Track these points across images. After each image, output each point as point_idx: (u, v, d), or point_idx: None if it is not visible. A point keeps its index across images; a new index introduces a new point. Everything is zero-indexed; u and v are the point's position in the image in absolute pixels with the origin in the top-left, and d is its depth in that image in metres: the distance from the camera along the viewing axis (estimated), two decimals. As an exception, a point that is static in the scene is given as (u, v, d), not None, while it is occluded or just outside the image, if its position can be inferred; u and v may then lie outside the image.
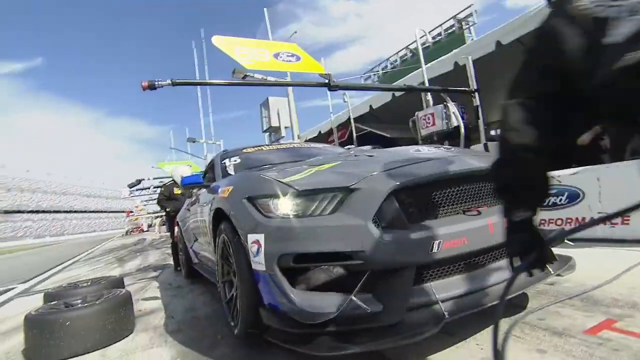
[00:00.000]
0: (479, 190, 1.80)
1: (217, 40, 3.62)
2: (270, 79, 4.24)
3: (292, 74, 4.33)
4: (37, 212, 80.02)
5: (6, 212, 73.06)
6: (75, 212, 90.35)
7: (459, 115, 5.12)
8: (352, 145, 8.31)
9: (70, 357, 2.24)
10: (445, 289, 1.53)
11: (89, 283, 3.42)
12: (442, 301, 1.47)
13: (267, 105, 10.62)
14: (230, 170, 3.11)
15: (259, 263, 1.60)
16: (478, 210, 1.70)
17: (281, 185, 1.67)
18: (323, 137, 10.20)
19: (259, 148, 3.51)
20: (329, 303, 1.40)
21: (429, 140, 5.69)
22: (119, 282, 3.50)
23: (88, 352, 2.28)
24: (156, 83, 3.37)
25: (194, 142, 20.15)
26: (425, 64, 6.41)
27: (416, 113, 5.79)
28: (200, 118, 21.62)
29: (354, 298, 1.38)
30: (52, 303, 2.70)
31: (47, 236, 71.12)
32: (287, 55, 3.99)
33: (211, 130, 21.05)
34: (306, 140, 11.02)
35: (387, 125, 8.57)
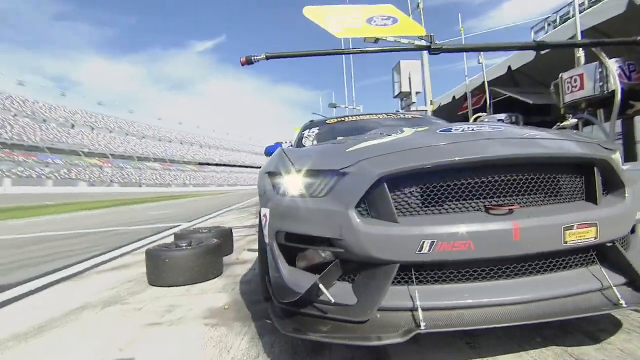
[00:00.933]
0: (516, 183, 1.41)
1: (308, 11, 3.63)
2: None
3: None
4: (219, 165, 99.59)
5: (199, 164, 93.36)
6: (246, 167, 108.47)
7: (616, 76, 3.82)
8: (484, 114, 7.30)
9: (167, 286, 2.85)
10: (434, 297, 1.30)
11: (205, 230, 4.19)
12: (424, 309, 1.26)
13: (399, 69, 10.17)
14: (307, 142, 3.20)
15: (265, 236, 1.68)
16: (510, 208, 1.34)
17: (288, 163, 1.67)
18: (457, 104, 9.22)
19: (341, 119, 3.47)
20: (305, 284, 1.38)
21: (573, 108, 4.49)
22: (226, 233, 4.15)
23: (178, 286, 2.85)
24: (253, 58, 3.65)
25: (335, 107, 21.19)
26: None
27: (560, 75, 4.59)
28: (344, 84, 22.51)
29: (320, 285, 1.32)
30: (171, 242, 3.45)
31: (225, 185, 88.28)
32: (382, 19, 3.71)
33: (353, 95, 21.54)
34: (439, 107, 10.22)
35: (529, 89, 7.07)
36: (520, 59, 6.18)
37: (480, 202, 1.39)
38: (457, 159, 1.33)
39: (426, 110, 10.23)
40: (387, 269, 1.31)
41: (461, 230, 1.26)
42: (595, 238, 1.34)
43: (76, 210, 15.41)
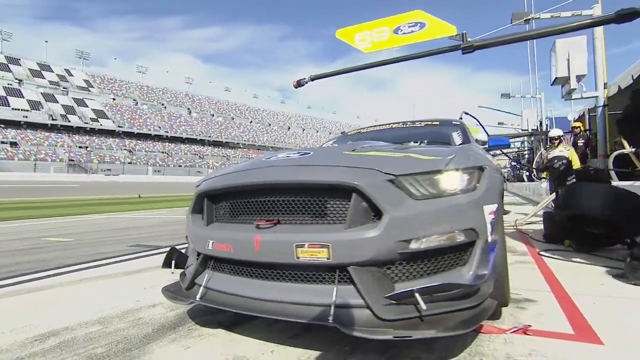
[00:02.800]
0: (279, 204, 1.64)
1: (340, 33, 3.95)
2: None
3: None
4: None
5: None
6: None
7: None
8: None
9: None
10: (215, 281, 1.75)
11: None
12: (205, 287, 1.74)
13: (555, 50, 8.44)
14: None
15: None
16: (273, 223, 1.61)
17: None
18: (640, 85, 6.91)
19: (358, 131, 3.70)
20: None
21: None
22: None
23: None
24: (302, 80, 4.36)
25: (508, 97, 18.64)
26: None
27: None
28: (529, 72, 19.77)
29: (172, 259, 2.01)
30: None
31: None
32: (409, 26, 3.60)
33: (536, 84, 18.41)
34: (619, 90, 7.97)
35: None
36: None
37: (255, 216, 1.71)
38: (237, 182, 1.75)
39: (596, 96, 8.11)
40: (201, 255, 1.88)
41: (226, 237, 1.68)
42: (328, 259, 1.45)
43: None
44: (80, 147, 57.06)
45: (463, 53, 3.41)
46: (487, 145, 3.02)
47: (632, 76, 7.15)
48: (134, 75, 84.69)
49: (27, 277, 3.30)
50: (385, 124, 3.63)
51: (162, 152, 66.59)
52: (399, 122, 3.54)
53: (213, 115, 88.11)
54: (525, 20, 8.72)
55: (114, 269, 3.68)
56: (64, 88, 66.07)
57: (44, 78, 65.12)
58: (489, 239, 1.57)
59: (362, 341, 1.74)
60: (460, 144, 2.87)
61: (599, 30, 8.08)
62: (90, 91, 69.90)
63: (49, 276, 3.37)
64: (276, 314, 1.54)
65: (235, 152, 79.00)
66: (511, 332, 1.81)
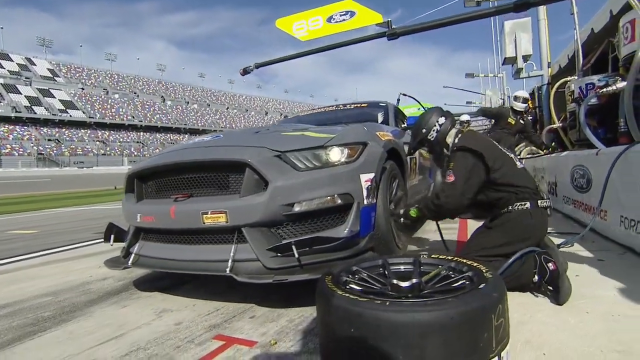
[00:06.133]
0: (192, 180, 1.94)
1: (280, 23, 4.18)
2: None
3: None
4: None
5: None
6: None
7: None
8: (574, 77, 5.88)
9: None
10: (145, 249, 2.06)
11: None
12: (138, 254, 2.06)
13: (504, 32, 8.86)
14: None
15: None
16: (187, 197, 1.92)
17: None
18: (574, 64, 7.43)
19: (297, 114, 4.03)
20: None
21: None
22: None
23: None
24: (248, 68, 4.57)
25: (472, 77, 19.18)
26: None
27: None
28: (493, 52, 20.24)
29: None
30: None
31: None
32: (341, 15, 3.86)
33: (500, 62, 19.00)
34: (560, 69, 8.49)
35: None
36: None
37: (173, 191, 2.00)
38: (157, 163, 2.05)
39: (541, 75, 8.61)
40: (133, 228, 2.17)
41: (149, 209, 1.98)
42: (227, 222, 1.76)
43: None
44: (49, 139, 55.06)
45: (388, 39, 3.67)
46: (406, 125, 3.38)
47: (568, 56, 7.66)
48: (103, 63, 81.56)
49: (-12, 264, 3.50)
50: (322, 108, 3.95)
51: (137, 142, 65.03)
52: (333, 106, 3.86)
53: (188, 102, 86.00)
54: (477, 2, 9.07)
55: (74, 252, 3.91)
56: (26, 78, 62.98)
57: (3, 68, 61.79)
58: (365, 202, 1.91)
59: (270, 293, 2.09)
60: (381, 122, 3.23)
61: (542, 12, 8.53)
62: (56, 81, 66.91)
63: (10, 262, 3.57)
64: (190, 270, 1.88)
65: (213, 139, 77.70)
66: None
